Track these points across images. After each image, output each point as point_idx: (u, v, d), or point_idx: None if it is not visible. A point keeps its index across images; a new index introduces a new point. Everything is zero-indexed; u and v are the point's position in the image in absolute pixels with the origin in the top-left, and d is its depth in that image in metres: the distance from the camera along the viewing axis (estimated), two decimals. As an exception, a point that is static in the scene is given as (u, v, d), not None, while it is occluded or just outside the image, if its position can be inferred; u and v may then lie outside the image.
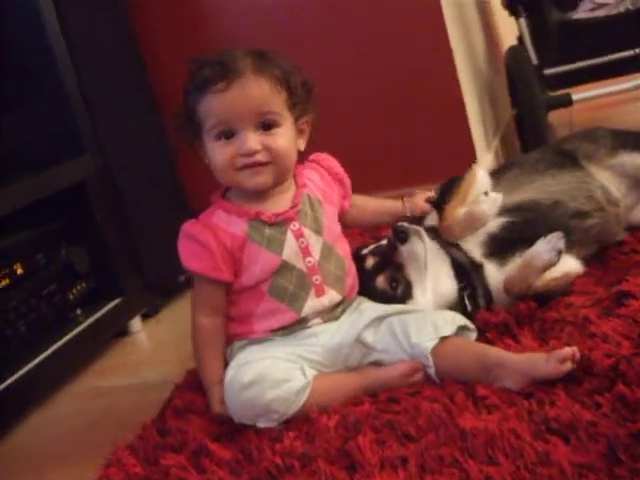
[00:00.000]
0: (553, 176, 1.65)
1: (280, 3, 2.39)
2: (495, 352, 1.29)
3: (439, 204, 1.58)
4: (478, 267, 1.53)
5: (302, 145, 1.43)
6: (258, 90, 1.32)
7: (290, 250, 1.38)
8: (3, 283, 1.80)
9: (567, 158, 1.71)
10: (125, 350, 2.07)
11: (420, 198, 1.58)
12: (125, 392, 1.77)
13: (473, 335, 1.38)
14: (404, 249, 1.47)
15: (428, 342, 1.31)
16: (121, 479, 1.28)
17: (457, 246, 1.55)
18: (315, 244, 1.40)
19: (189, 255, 1.37)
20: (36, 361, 1.80)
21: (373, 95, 2.36)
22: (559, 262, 1.43)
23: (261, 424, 1.30)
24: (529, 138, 2.59)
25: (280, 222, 1.39)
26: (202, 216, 1.42)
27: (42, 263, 1.94)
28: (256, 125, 1.33)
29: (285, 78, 1.36)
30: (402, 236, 1.47)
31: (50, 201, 1.92)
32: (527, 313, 1.43)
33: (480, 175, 1.60)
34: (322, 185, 1.47)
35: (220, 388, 1.36)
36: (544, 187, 1.63)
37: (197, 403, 1.48)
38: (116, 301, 2.10)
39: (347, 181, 1.54)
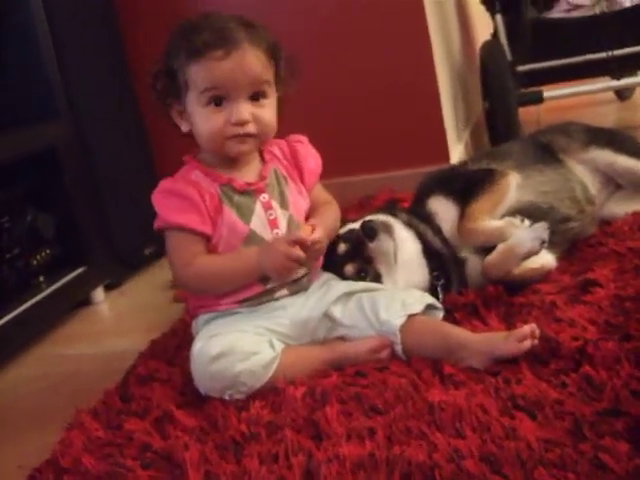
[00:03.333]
0: (541, 172, 1.65)
1: (270, 10, 2.38)
2: (457, 333, 1.30)
3: (461, 196, 1.56)
4: (460, 261, 1.54)
5: None
6: (256, 61, 1.33)
7: (258, 221, 1.38)
8: (-34, 244, 1.77)
9: (546, 152, 1.72)
10: (87, 319, 2.05)
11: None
12: (87, 360, 1.76)
13: (440, 314, 1.40)
14: (372, 245, 1.46)
15: (397, 319, 1.32)
16: (83, 442, 1.26)
17: (444, 240, 1.55)
18: (282, 217, 1.40)
19: (173, 210, 1.35)
20: (-4, 325, 1.78)
21: (353, 82, 2.36)
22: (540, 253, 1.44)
23: (228, 397, 1.30)
24: (499, 132, 2.62)
25: (250, 192, 1.39)
26: (180, 174, 1.41)
27: (7, 227, 1.91)
28: (248, 95, 1.34)
29: (274, 51, 1.37)
30: (370, 233, 1.46)
31: (19, 164, 1.90)
32: (495, 296, 1.45)
33: (514, 186, 1.59)
34: (285, 163, 1.47)
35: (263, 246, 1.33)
36: (538, 186, 1.63)
37: (161, 371, 1.47)
38: (80, 270, 2.08)
39: (307, 169, 1.48)
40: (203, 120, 1.35)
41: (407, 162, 2.31)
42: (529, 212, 1.55)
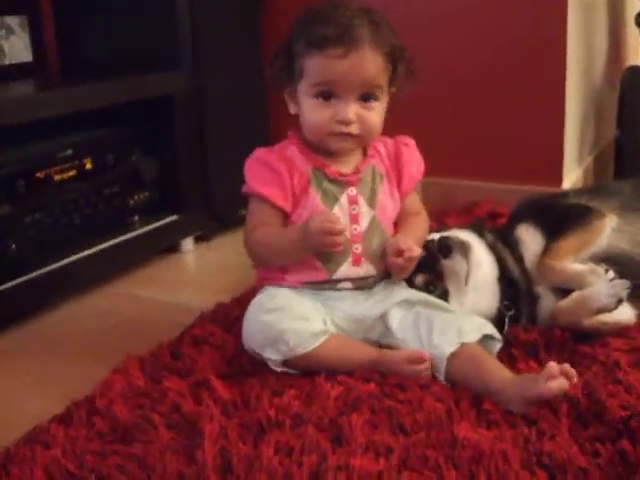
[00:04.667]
0: None
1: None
2: (496, 377, 1.23)
3: (551, 229, 1.51)
4: (535, 297, 1.49)
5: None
6: (373, 64, 1.33)
7: (340, 212, 1.38)
8: (70, 174, 1.85)
9: None
10: (171, 266, 2.11)
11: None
12: (158, 306, 1.81)
13: (497, 345, 1.35)
14: (445, 263, 1.44)
15: (448, 347, 1.29)
16: (122, 387, 1.32)
17: (524, 271, 1.50)
18: (366, 215, 1.40)
19: (259, 180, 1.38)
20: (82, 255, 1.86)
21: (475, 84, 2.29)
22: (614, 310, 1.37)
23: (266, 354, 1.32)
24: (625, 164, 2.49)
25: (340, 182, 1.40)
26: (276, 147, 1.44)
27: (111, 164, 1.98)
28: (358, 95, 1.34)
29: (394, 54, 1.37)
30: (445, 250, 1.44)
31: (135, 108, 1.97)
32: (559, 340, 1.39)
33: (607, 230, 1.51)
34: (387, 162, 1.46)
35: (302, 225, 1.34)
36: (637, 234, 1.53)
37: (216, 336, 1.50)
38: (174, 217, 2.14)
39: (407, 173, 1.46)
40: (310, 111, 1.36)
41: (516, 176, 2.23)
42: (619, 261, 1.46)
